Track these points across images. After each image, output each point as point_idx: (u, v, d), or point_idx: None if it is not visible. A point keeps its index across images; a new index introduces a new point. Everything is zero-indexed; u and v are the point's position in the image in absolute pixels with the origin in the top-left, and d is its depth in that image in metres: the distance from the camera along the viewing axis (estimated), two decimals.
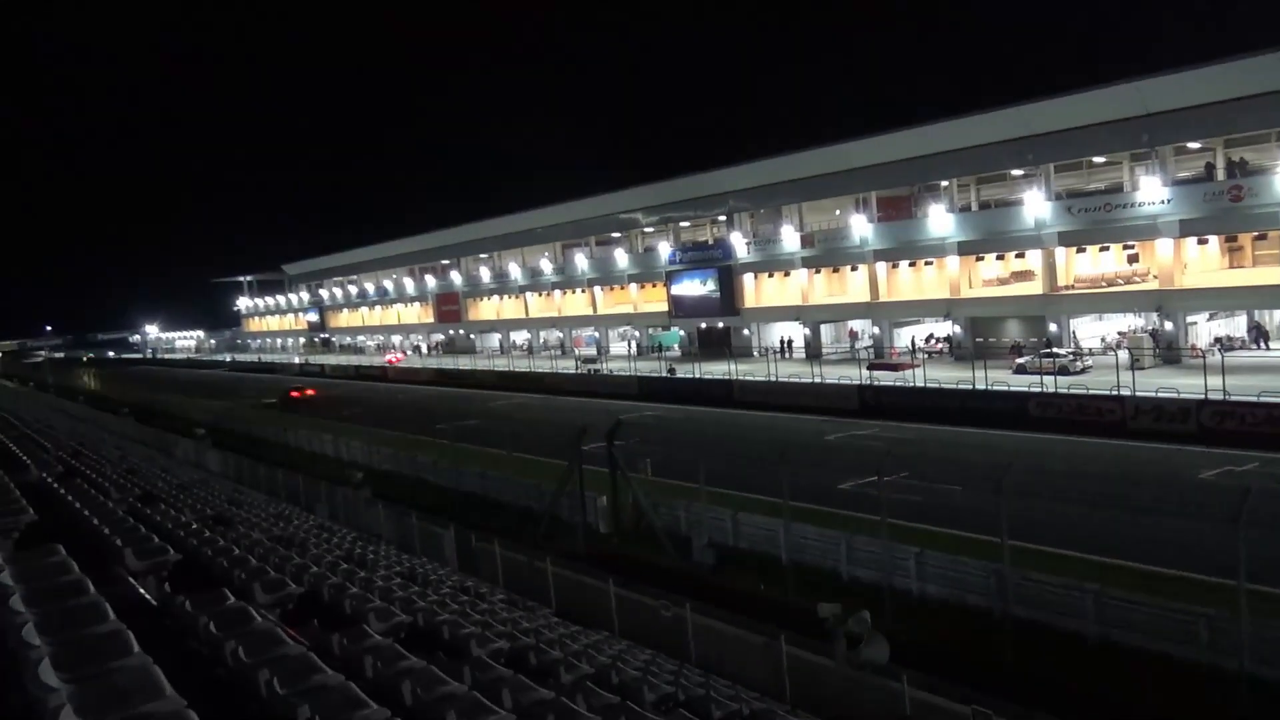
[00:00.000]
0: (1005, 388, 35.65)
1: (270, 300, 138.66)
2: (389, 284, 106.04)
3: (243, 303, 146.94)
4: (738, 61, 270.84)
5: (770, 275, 62.70)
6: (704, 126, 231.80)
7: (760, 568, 19.28)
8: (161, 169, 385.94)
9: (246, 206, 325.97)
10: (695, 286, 66.20)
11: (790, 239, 59.27)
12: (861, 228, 54.90)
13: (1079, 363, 40.29)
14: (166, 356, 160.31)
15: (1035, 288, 48.39)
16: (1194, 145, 43.61)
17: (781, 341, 60.81)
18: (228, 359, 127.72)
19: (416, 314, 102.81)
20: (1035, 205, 46.50)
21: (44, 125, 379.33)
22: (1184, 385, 31.04)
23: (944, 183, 52.73)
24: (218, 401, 62.92)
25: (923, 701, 11.10)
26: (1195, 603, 13.78)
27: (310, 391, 66.08)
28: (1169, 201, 41.78)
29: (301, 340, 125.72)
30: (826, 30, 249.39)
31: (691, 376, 50.68)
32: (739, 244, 62.77)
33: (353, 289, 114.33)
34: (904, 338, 55.63)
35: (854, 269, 57.75)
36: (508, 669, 8.74)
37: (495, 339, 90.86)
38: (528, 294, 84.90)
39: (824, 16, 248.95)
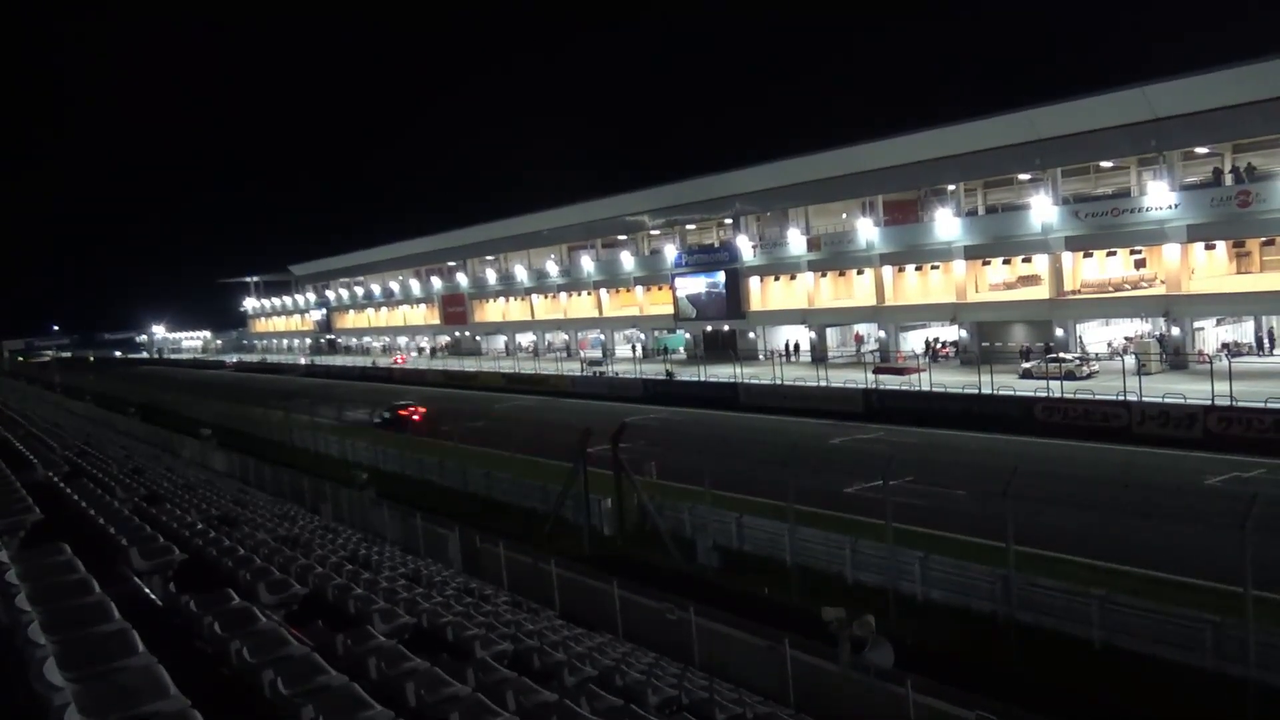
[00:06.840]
0: (1011, 392, 35.59)
1: (277, 301, 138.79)
2: (395, 285, 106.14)
3: (249, 303, 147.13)
4: (744, 64, 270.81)
5: (776, 278, 62.63)
6: (711, 129, 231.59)
7: (765, 571, 19.27)
8: (169, 168, 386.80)
9: (254, 207, 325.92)
10: (701, 289, 66.20)
11: (796, 242, 59.20)
12: (868, 231, 54.84)
13: (1085, 368, 40.22)
14: (173, 356, 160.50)
15: (1042, 292, 48.27)
16: (1202, 150, 43.48)
17: (787, 345, 60.74)
18: (233, 359, 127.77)
19: (422, 315, 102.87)
20: (1042, 210, 46.40)
21: (51, 124, 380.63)
22: (1190, 391, 30.94)
23: (951, 187, 52.66)
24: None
25: (927, 706, 11.09)
26: (1201, 609, 13.76)
27: (420, 412, 48.02)
28: (1176, 206, 41.67)
29: (308, 341, 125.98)
30: (833, 33, 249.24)
31: (693, 380, 50.67)
32: (745, 247, 62.74)
33: (359, 290, 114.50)
34: (910, 342, 55.58)
35: (860, 272, 57.62)
36: (511, 671, 8.74)
37: (501, 341, 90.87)
38: (533, 296, 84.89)
39: (830, 19, 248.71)
